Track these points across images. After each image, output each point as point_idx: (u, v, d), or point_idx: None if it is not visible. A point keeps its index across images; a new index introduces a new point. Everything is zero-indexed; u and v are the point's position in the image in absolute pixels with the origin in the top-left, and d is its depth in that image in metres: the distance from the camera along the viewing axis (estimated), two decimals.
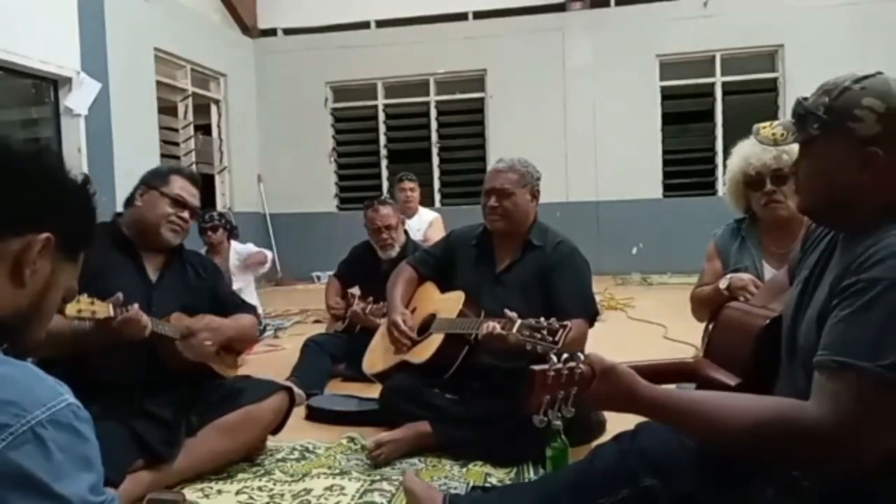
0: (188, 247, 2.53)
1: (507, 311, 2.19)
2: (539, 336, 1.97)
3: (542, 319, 2.03)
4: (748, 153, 2.26)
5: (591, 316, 2.51)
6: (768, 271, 2.29)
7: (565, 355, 1.24)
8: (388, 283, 2.83)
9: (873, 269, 1.08)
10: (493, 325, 2.19)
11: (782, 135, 1.29)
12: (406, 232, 3.96)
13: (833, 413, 1.06)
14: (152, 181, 2.31)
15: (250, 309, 2.60)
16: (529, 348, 1.97)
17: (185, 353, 2.21)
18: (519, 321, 2.10)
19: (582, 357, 1.23)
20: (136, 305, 2.04)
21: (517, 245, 2.61)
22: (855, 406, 1.04)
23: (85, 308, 1.91)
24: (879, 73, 1.19)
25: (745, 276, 2.18)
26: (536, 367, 1.22)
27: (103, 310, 1.96)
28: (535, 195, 2.62)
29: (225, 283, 2.64)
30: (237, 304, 2.55)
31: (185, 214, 2.31)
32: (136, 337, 2.03)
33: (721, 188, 8.51)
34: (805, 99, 1.23)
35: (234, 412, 2.23)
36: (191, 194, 2.33)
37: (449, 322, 2.49)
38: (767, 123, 1.36)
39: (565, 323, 1.98)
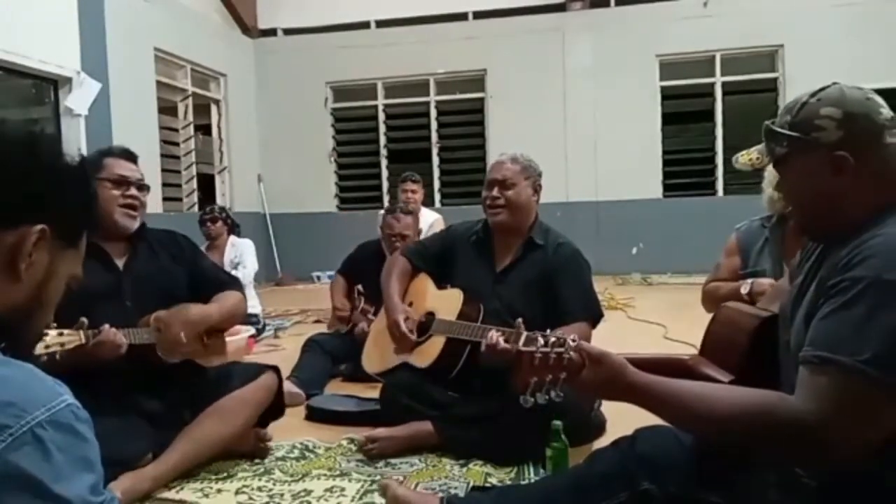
0: (195, 245, 2.52)
1: (517, 322, 2.09)
2: None
3: (548, 332, 1.98)
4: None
5: (595, 318, 2.48)
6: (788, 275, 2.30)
7: (553, 339, 1.25)
8: (381, 274, 2.77)
9: (856, 268, 1.12)
10: (497, 338, 2.13)
11: (758, 159, 1.37)
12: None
13: (815, 407, 1.08)
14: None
15: (235, 284, 2.52)
16: None
17: (166, 358, 2.17)
18: (525, 334, 2.03)
19: (572, 344, 1.24)
20: (106, 326, 1.98)
21: (518, 243, 2.58)
22: (835, 400, 1.07)
23: (52, 342, 1.80)
24: (835, 83, 1.25)
25: (766, 282, 2.18)
26: (524, 348, 1.25)
27: (73, 339, 1.87)
28: (536, 190, 2.61)
29: (205, 260, 2.55)
30: (220, 282, 2.45)
31: (133, 191, 2.21)
32: (113, 356, 1.99)
33: (720, 188, 8.54)
34: (773, 122, 1.29)
35: (226, 396, 2.24)
36: (130, 170, 2.22)
37: (450, 325, 2.45)
38: (745, 151, 1.43)
39: (574, 337, 1.93)
